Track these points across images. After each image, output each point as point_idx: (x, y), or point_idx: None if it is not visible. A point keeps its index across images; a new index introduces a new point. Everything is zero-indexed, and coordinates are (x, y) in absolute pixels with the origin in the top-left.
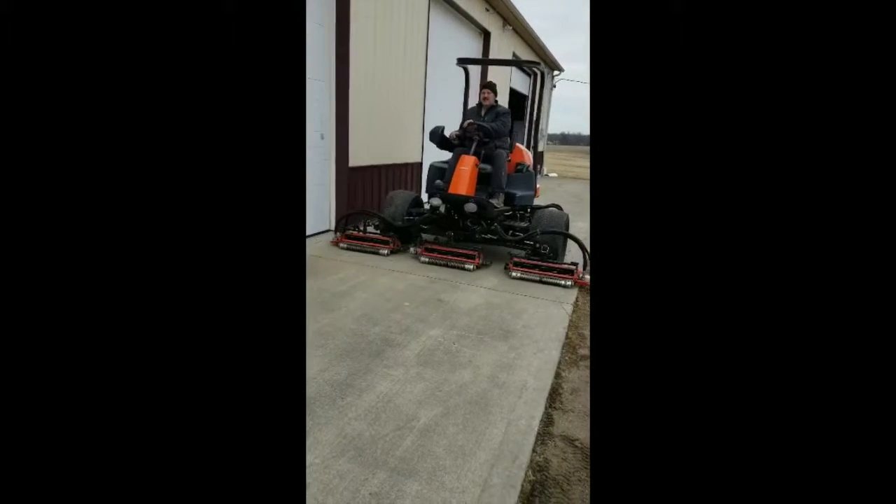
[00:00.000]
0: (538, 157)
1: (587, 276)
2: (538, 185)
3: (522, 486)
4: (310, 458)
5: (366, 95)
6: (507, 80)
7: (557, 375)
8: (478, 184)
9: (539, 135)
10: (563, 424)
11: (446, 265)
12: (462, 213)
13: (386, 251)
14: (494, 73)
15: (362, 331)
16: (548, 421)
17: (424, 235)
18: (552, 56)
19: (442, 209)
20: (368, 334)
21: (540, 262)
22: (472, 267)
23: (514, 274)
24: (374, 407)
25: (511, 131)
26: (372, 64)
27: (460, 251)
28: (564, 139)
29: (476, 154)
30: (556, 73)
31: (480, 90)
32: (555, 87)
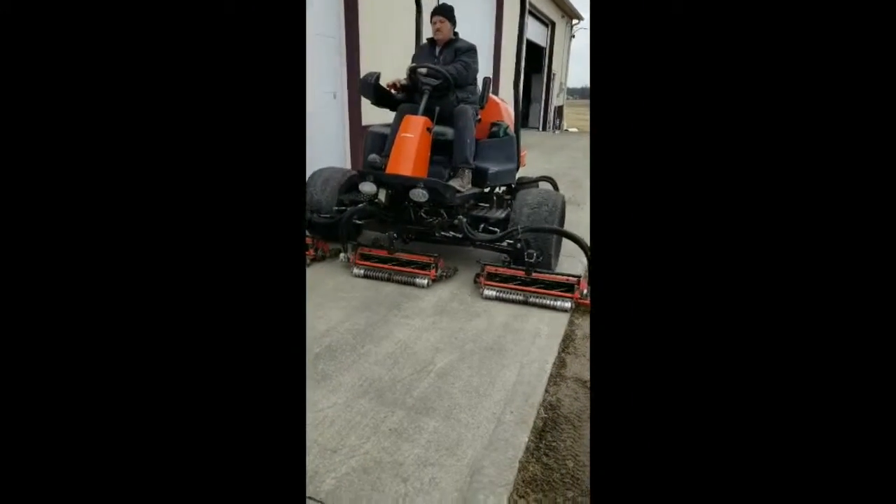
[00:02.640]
0: (558, 112)
1: None
2: (524, 151)
3: (534, 422)
4: (333, 398)
5: (377, 52)
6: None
7: (571, 323)
8: (434, 155)
9: (516, 82)
10: (575, 367)
11: (388, 279)
12: (412, 203)
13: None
14: (510, 23)
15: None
16: (560, 364)
17: (368, 232)
18: (570, 4)
19: (382, 197)
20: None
21: (524, 274)
22: (425, 282)
23: (486, 292)
24: (392, 353)
25: (493, 82)
26: (382, 17)
27: (410, 258)
28: (585, 93)
29: (428, 112)
30: (574, 21)
31: (431, 18)
32: (573, 37)
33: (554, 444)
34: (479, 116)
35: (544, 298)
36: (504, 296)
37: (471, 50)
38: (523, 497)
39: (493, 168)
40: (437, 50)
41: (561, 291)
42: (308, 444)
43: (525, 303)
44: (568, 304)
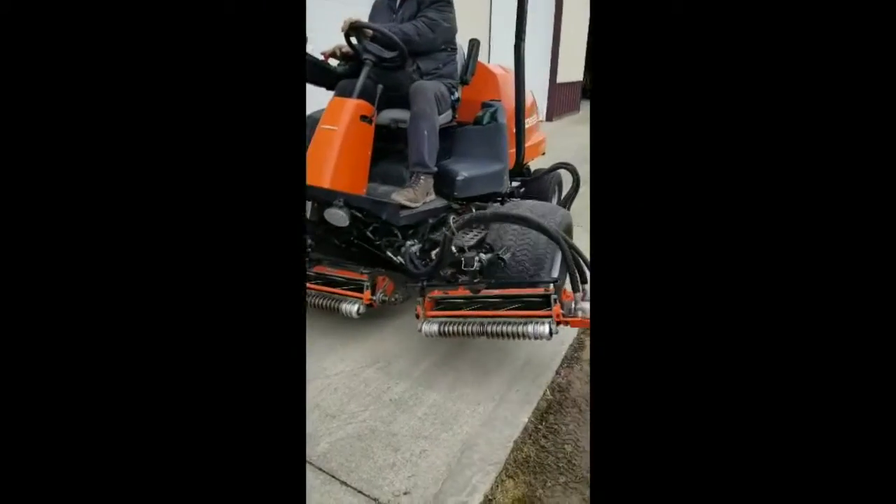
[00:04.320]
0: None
1: (586, 305)
2: (541, 137)
3: (538, 403)
4: (340, 366)
5: None
6: None
7: None
8: (401, 149)
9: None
10: None
11: (310, 304)
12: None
13: None
14: None
15: None
16: (579, 346)
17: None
18: None
19: (307, 213)
20: None
21: (479, 293)
22: (355, 308)
23: (425, 327)
24: (406, 325)
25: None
26: None
27: (338, 273)
28: None
29: (367, 91)
30: None
31: None
32: None
33: (555, 426)
34: (458, 95)
35: (509, 324)
36: (452, 328)
37: (440, 1)
38: (512, 478)
39: (464, 172)
40: (398, 2)
41: (538, 310)
42: (309, 407)
43: (484, 334)
44: (546, 329)
